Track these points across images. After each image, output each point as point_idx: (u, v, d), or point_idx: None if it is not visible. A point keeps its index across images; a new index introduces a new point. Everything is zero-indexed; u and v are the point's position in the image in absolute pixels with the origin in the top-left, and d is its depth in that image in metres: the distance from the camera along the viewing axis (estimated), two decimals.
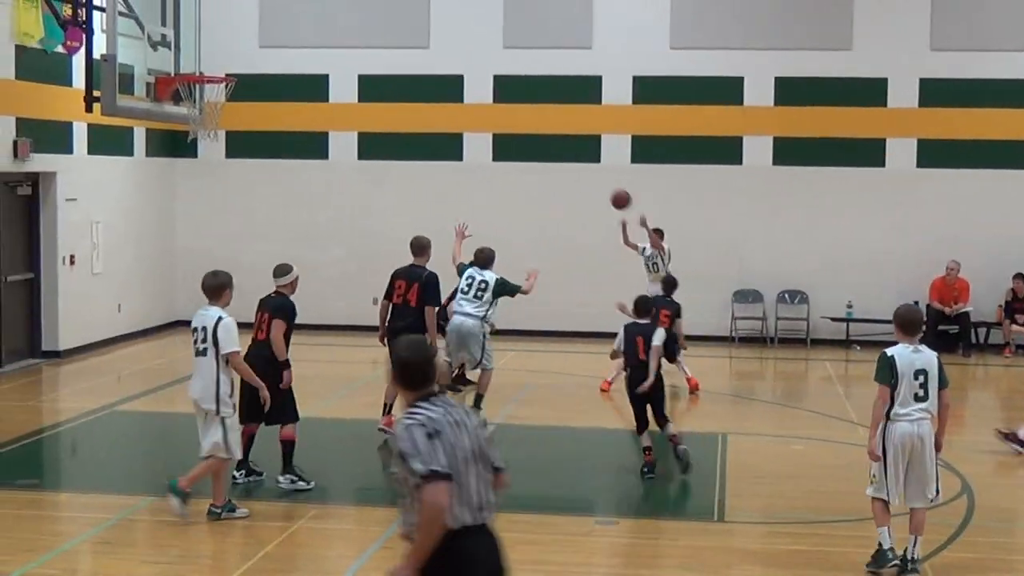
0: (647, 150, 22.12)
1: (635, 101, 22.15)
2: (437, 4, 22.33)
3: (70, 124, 19.26)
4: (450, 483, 5.39)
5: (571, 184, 22.28)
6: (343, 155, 22.78)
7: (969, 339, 21.20)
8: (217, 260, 22.42)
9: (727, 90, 21.91)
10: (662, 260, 18.07)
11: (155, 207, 22.37)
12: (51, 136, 18.71)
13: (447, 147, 22.45)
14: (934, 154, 21.63)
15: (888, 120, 21.73)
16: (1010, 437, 13.61)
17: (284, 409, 11.37)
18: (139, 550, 10.07)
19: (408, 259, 13.82)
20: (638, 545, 10.24)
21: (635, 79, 22.11)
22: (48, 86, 18.59)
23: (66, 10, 16.94)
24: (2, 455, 13.05)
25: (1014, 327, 20.98)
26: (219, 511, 10.40)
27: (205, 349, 10.11)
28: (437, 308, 13.84)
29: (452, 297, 15.19)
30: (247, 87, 19.69)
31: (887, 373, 9.17)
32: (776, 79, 21.84)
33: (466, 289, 14.43)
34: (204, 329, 10.13)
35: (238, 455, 10.75)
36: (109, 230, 20.40)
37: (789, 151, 21.91)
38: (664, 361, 13.61)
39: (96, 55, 16.27)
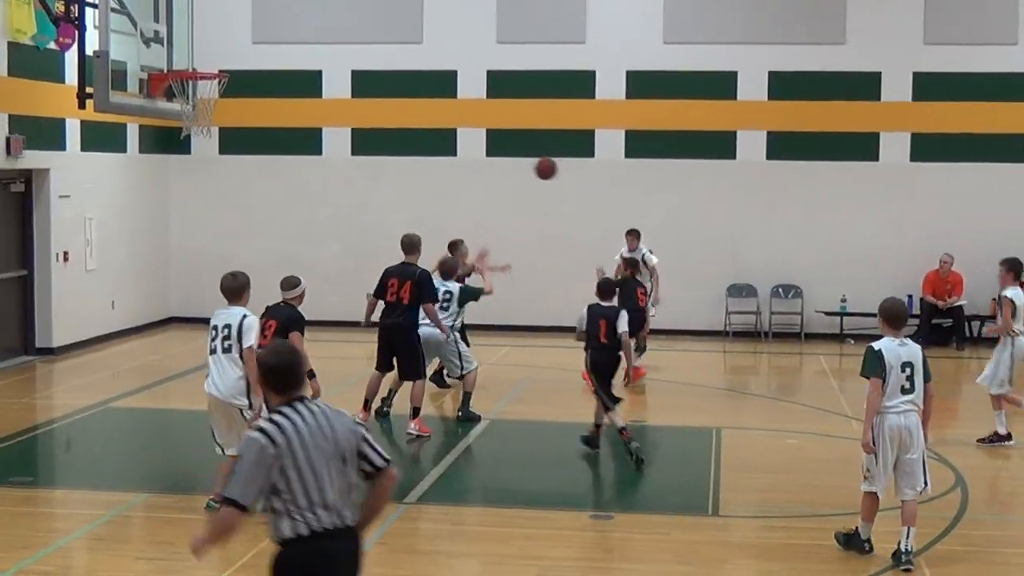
0: (641, 145, 22.13)
1: (628, 96, 22.15)
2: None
3: (63, 121, 19.24)
4: (241, 514, 5.69)
5: (565, 179, 22.23)
6: (337, 151, 22.76)
7: (963, 332, 21.22)
8: (211, 256, 22.59)
9: (721, 85, 21.91)
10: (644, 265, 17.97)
11: (148, 203, 22.35)
12: (44, 133, 18.68)
13: (441, 142, 22.44)
14: (928, 148, 21.65)
15: (882, 114, 21.74)
16: (993, 439, 13.60)
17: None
18: (134, 546, 10.08)
19: (400, 256, 13.87)
20: (632, 539, 10.24)
21: (628, 74, 22.11)
22: (41, 83, 18.57)
23: (58, 6, 16.91)
24: None
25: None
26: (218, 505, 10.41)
27: (230, 346, 10.20)
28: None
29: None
30: (240, 83, 19.65)
31: (877, 366, 9.26)
32: (770, 73, 21.84)
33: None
34: (229, 327, 10.23)
35: None
36: (102, 227, 20.38)
37: (783, 145, 21.92)
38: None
39: (89, 51, 16.23)
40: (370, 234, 21.82)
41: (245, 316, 10.24)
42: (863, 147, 21.76)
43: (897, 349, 9.31)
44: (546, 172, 15.35)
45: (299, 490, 5.72)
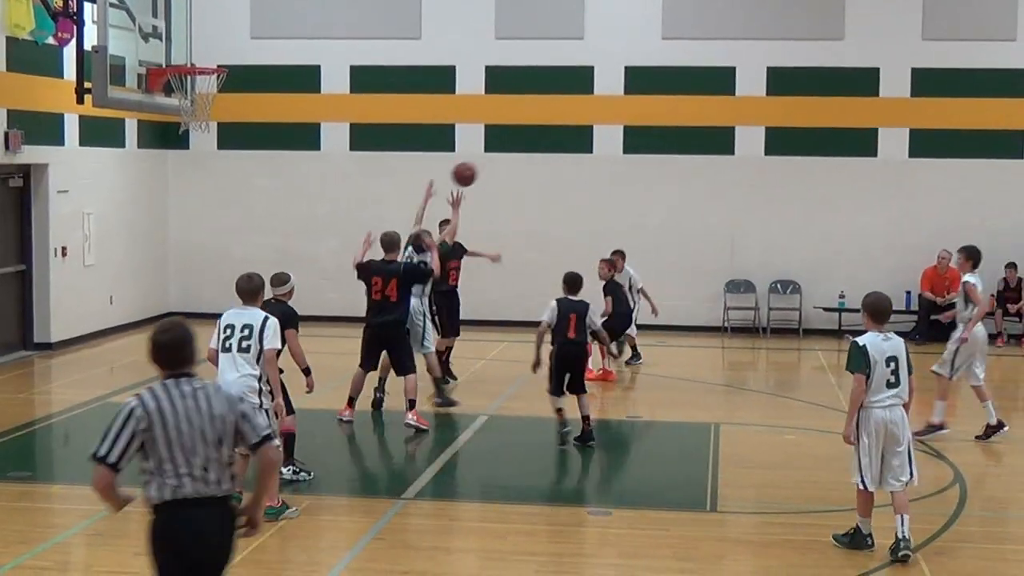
0: (639, 140, 22.13)
1: (627, 91, 22.14)
2: None
3: (61, 116, 19.23)
4: (108, 472, 6.07)
5: (563, 175, 22.30)
6: (335, 146, 22.76)
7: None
8: (209, 252, 22.62)
9: (719, 80, 21.91)
10: (630, 287, 17.96)
11: (147, 199, 22.34)
12: (42, 128, 18.67)
13: (439, 138, 22.42)
14: (926, 143, 21.66)
15: (880, 110, 21.74)
16: (989, 431, 13.60)
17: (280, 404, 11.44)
18: (132, 541, 10.02)
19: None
20: (631, 535, 10.24)
21: (627, 69, 22.11)
22: (39, 78, 18.56)
23: (57, 1, 16.90)
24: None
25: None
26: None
27: (249, 346, 10.25)
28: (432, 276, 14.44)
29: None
30: (239, 78, 19.66)
31: (862, 362, 9.33)
32: (768, 69, 21.85)
33: None
34: (250, 327, 10.26)
35: None
36: (101, 222, 20.38)
37: (781, 141, 21.92)
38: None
39: (87, 46, 16.24)
40: (368, 229, 21.74)
41: (267, 318, 10.35)
42: (861, 143, 21.77)
43: (881, 344, 9.38)
44: (465, 179, 15.30)
45: (166, 457, 6.08)
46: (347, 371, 14.84)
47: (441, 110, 22.47)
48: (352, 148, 22.72)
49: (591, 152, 22.30)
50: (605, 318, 16.95)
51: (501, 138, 22.39)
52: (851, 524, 9.75)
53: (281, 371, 11.43)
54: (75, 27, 16.87)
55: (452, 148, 22.48)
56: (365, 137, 22.64)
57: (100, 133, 20.27)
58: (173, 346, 6.21)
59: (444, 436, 13.78)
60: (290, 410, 11.55)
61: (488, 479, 12.56)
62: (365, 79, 22.57)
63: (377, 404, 14.62)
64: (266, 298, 11.53)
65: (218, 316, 10.46)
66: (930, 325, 21.16)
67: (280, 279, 11.66)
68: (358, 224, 22.59)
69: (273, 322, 10.37)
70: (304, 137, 22.78)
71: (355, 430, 14.13)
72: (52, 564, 9.34)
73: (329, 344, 17.65)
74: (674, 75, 21.97)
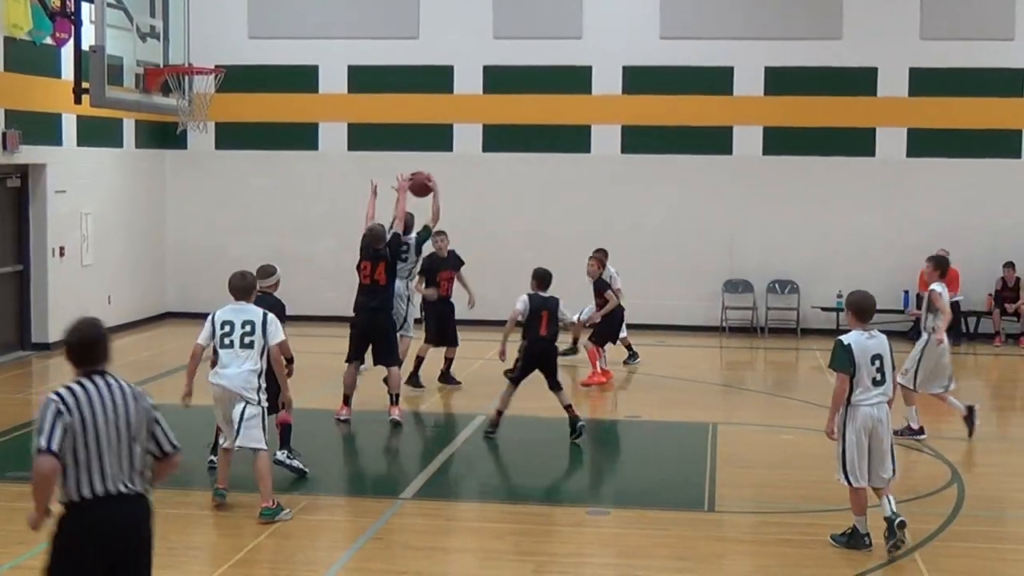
0: (637, 140, 22.13)
1: (625, 91, 22.15)
2: None
3: (59, 116, 19.22)
4: (54, 459, 6.06)
5: (562, 174, 22.30)
6: (333, 146, 22.76)
7: (959, 328, 21.22)
8: (207, 252, 22.59)
9: (717, 80, 21.92)
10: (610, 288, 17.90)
11: (145, 199, 22.33)
12: (40, 128, 18.66)
13: (437, 138, 22.42)
14: (924, 143, 21.66)
15: (878, 109, 21.75)
16: (966, 419, 13.61)
17: (276, 396, 11.55)
18: None
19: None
20: (629, 535, 10.25)
21: (625, 69, 22.11)
22: (37, 78, 18.55)
23: (54, 1, 16.89)
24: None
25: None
26: (225, 493, 10.71)
27: (252, 342, 10.40)
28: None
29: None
30: (236, 78, 19.64)
31: (846, 361, 9.44)
32: (766, 69, 21.86)
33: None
34: (252, 323, 10.43)
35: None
36: (99, 222, 20.37)
37: (779, 141, 21.93)
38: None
39: (85, 46, 16.23)
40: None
41: (267, 314, 10.53)
42: (859, 143, 21.77)
43: (866, 342, 9.48)
44: (418, 190, 15.46)
45: (81, 454, 6.14)
46: (344, 371, 14.85)
47: (439, 110, 22.47)
48: (350, 148, 22.71)
49: (589, 152, 22.30)
50: (593, 321, 16.94)
51: (499, 138, 22.39)
52: (848, 524, 9.76)
53: (292, 359, 11.49)
54: (73, 27, 16.86)
55: (450, 148, 22.49)
56: (363, 137, 22.64)
57: (98, 133, 20.26)
58: (91, 344, 6.38)
59: (442, 436, 13.77)
60: (286, 402, 11.72)
61: (486, 479, 12.57)
62: (363, 79, 22.56)
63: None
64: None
65: None
66: None
67: (266, 271, 11.96)
68: (356, 224, 22.49)
69: (273, 318, 10.54)
70: (302, 137, 22.78)
71: (353, 430, 14.13)
72: None
73: (326, 344, 17.62)
74: (672, 75, 21.98)
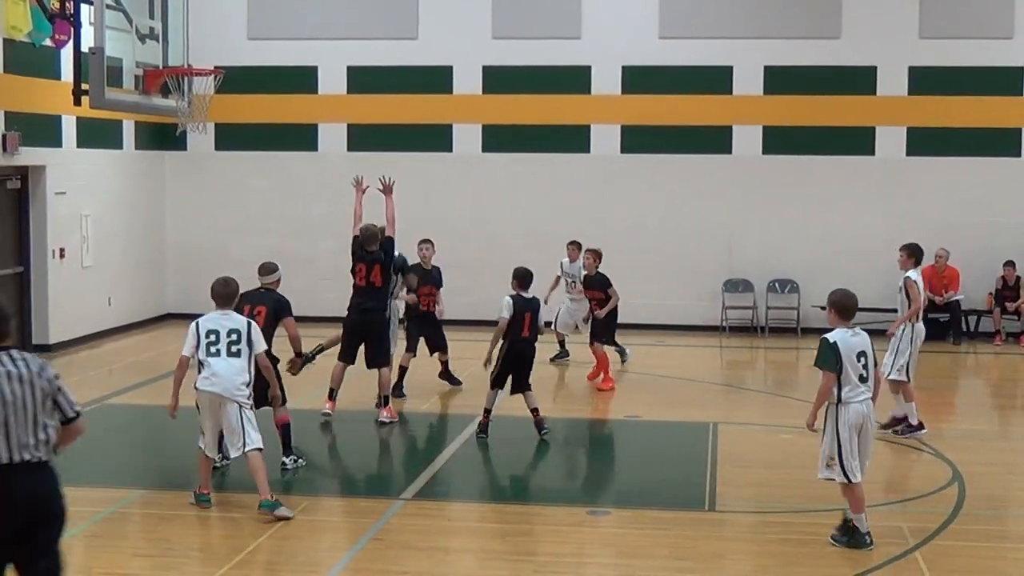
0: (636, 140, 22.13)
1: (624, 91, 22.15)
2: None
3: (59, 117, 19.22)
4: None
5: (561, 174, 22.31)
6: (332, 147, 22.76)
7: (960, 327, 21.24)
8: (207, 253, 22.58)
9: (716, 79, 21.91)
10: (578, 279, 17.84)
11: (144, 200, 22.33)
12: (40, 129, 18.66)
13: (436, 138, 22.44)
14: (923, 142, 21.66)
15: (877, 108, 21.75)
16: (906, 428, 13.61)
17: (261, 392, 11.70)
18: (131, 543, 10.07)
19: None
20: (630, 535, 10.25)
21: (624, 69, 22.11)
22: (36, 80, 18.55)
23: (54, 3, 16.89)
24: None
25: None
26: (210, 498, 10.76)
27: (239, 351, 10.45)
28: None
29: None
30: (235, 79, 19.64)
31: (832, 359, 9.55)
32: (765, 68, 21.85)
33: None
34: (237, 332, 10.48)
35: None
36: (98, 223, 20.37)
37: (778, 140, 21.92)
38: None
39: (84, 48, 16.23)
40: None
41: (250, 323, 10.60)
42: (859, 141, 21.77)
43: (850, 340, 9.61)
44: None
45: None
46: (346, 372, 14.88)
47: (438, 110, 22.47)
48: (349, 149, 22.71)
49: (588, 152, 22.30)
50: (588, 319, 16.82)
51: (498, 138, 22.39)
52: (848, 521, 9.76)
53: (277, 360, 11.57)
54: (72, 29, 16.87)
55: (450, 148, 22.50)
56: (362, 138, 22.64)
57: (97, 135, 20.26)
58: None
59: (442, 436, 13.77)
60: (283, 400, 11.82)
61: (486, 479, 12.58)
62: (362, 80, 22.57)
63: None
64: (255, 287, 11.86)
65: None
66: (928, 324, 21.13)
67: (268, 268, 12.16)
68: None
69: (255, 326, 10.64)
70: (301, 138, 22.78)
71: (352, 431, 14.13)
72: None
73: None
74: (671, 74, 21.98)
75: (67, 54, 18.02)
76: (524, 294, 13.25)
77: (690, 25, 21.92)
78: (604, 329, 16.65)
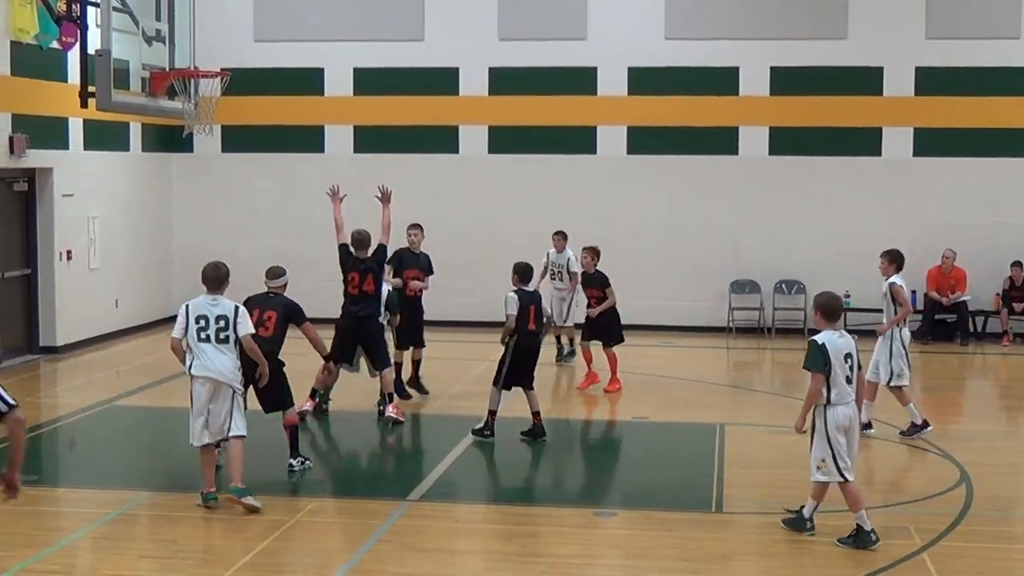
0: (642, 141, 22.12)
1: (630, 92, 22.14)
2: None
3: (66, 120, 19.24)
4: None
5: (567, 176, 22.30)
6: (339, 148, 22.78)
7: (967, 328, 21.20)
8: (214, 254, 22.25)
9: (722, 80, 21.90)
10: (568, 271, 17.71)
11: (151, 202, 22.36)
12: (47, 132, 18.69)
13: (443, 140, 22.44)
14: (930, 142, 21.63)
15: (884, 109, 21.72)
16: (911, 431, 13.61)
17: (282, 397, 11.91)
18: (138, 545, 10.09)
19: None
20: (637, 536, 10.24)
21: (630, 70, 22.10)
22: (43, 82, 18.58)
23: (60, 6, 16.93)
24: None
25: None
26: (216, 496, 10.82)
27: (228, 336, 10.72)
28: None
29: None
30: (242, 81, 19.65)
31: (821, 361, 9.71)
32: (772, 69, 21.83)
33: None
34: (225, 318, 10.74)
35: None
36: (106, 225, 20.39)
37: (785, 141, 21.90)
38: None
39: (91, 50, 16.26)
40: (371, 231, 21.74)
41: (238, 307, 10.82)
42: (865, 142, 21.75)
43: (837, 341, 9.80)
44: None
45: None
46: (346, 374, 14.89)
47: (444, 112, 22.48)
48: (355, 150, 22.73)
49: (595, 153, 22.30)
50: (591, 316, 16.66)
51: (504, 139, 22.39)
52: (853, 524, 9.76)
53: (283, 364, 11.62)
54: (79, 31, 16.90)
55: (456, 150, 22.50)
56: (368, 139, 22.65)
57: (104, 137, 20.29)
58: None
59: (448, 437, 13.77)
60: (290, 402, 11.88)
61: (493, 480, 12.58)
62: (368, 81, 22.58)
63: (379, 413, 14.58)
64: (263, 291, 11.91)
65: None
66: (935, 325, 21.15)
67: (275, 272, 12.28)
68: (361, 226, 22.65)
69: (243, 310, 10.86)
70: (307, 140, 22.80)
71: (358, 432, 14.14)
72: (58, 567, 9.36)
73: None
74: (677, 75, 21.97)
75: (74, 56, 18.05)
76: (526, 288, 13.28)
77: (696, 26, 21.91)
78: (607, 330, 16.45)
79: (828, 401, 9.67)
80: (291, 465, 11.89)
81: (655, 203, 22.17)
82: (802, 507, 10.12)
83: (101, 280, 20.31)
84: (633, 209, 22.12)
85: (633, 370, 18.04)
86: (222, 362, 10.67)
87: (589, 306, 16.56)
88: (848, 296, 21.39)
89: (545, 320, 13.61)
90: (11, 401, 7.06)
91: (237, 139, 22.72)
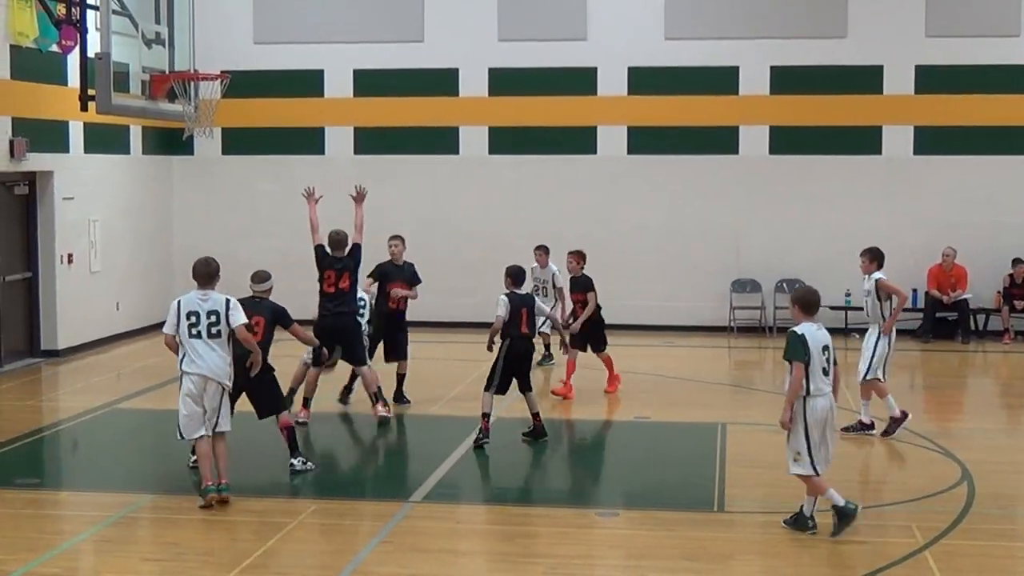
0: (643, 141, 22.12)
1: (630, 92, 22.14)
2: None
3: (66, 123, 19.25)
4: None
5: (567, 176, 22.31)
6: (339, 150, 22.79)
7: (968, 326, 21.20)
8: (214, 256, 22.48)
9: (722, 80, 21.90)
10: (553, 286, 17.57)
11: (152, 205, 22.37)
12: (47, 135, 18.70)
13: (443, 141, 22.45)
14: (930, 141, 21.63)
15: (884, 107, 21.72)
16: (857, 427, 13.63)
17: (276, 400, 11.99)
18: (140, 547, 10.09)
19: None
20: (639, 536, 10.24)
21: (630, 70, 22.11)
22: (43, 85, 18.58)
23: (60, 9, 16.93)
24: (2, 454, 13.07)
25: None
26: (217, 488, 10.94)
27: (219, 331, 10.83)
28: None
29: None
30: (242, 83, 19.67)
31: (801, 351, 9.81)
32: (771, 68, 21.83)
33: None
34: (216, 313, 10.84)
35: None
36: (106, 228, 20.40)
37: (785, 140, 21.91)
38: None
39: (91, 54, 16.27)
40: (372, 233, 21.68)
41: (229, 300, 10.94)
42: (866, 141, 21.75)
43: (816, 333, 9.94)
44: None
45: None
46: (344, 375, 14.90)
47: (445, 113, 22.49)
48: (356, 152, 22.74)
49: (595, 153, 22.30)
50: (572, 325, 16.43)
51: (505, 140, 22.40)
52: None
53: (272, 368, 11.65)
54: (78, 34, 16.90)
55: (456, 151, 22.51)
56: (369, 141, 22.66)
57: (105, 140, 20.30)
58: None
59: (450, 439, 13.77)
60: (284, 406, 11.97)
61: (495, 481, 12.58)
62: (368, 83, 22.59)
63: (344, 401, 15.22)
64: (248, 295, 11.95)
65: None
66: (936, 323, 21.15)
67: (261, 276, 12.29)
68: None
69: (235, 301, 10.96)
70: (308, 141, 22.81)
71: (360, 433, 14.14)
72: (60, 570, 9.35)
73: None
74: (677, 75, 21.97)
75: (74, 60, 18.05)
76: (518, 291, 13.30)
77: (695, 26, 21.91)
78: (594, 337, 16.05)
79: (808, 392, 9.81)
80: (292, 465, 11.92)
81: (655, 203, 22.17)
82: (802, 507, 10.11)
83: (102, 283, 20.31)
84: (633, 209, 22.13)
85: (634, 370, 18.04)
86: (213, 359, 10.80)
87: (573, 315, 16.23)
88: (848, 295, 21.42)
89: (545, 321, 13.60)
90: None
91: (237, 141, 22.73)
